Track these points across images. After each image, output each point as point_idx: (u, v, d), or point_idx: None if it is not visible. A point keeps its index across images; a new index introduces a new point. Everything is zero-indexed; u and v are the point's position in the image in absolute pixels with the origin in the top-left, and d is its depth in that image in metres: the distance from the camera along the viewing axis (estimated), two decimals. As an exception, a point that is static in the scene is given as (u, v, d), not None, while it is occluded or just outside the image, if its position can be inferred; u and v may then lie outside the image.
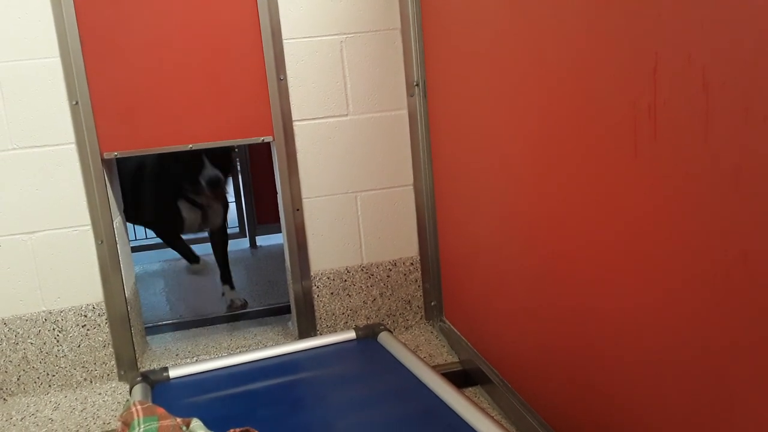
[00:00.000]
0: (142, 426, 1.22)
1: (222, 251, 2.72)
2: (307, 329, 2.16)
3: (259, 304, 2.55)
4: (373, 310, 2.23)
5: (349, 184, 2.13)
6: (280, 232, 2.17)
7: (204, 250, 3.13)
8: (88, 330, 2.03)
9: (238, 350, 2.10)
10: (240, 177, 3.58)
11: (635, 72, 0.96)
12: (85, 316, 2.02)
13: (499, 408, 1.68)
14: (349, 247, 2.18)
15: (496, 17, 1.45)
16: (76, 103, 1.91)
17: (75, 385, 2.05)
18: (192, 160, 2.46)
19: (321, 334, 2.14)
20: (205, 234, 2.98)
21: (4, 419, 1.88)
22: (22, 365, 2.01)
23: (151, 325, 2.37)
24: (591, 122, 1.10)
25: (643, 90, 0.94)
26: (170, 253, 3.20)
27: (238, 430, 1.30)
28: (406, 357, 1.71)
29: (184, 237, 2.97)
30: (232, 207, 3.23)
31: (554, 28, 1.19)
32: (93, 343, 2.04)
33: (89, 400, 1.96)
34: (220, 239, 2.76)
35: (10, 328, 1.99)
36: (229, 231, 2.85)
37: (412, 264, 2.23)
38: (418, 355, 1.72)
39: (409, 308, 2.26)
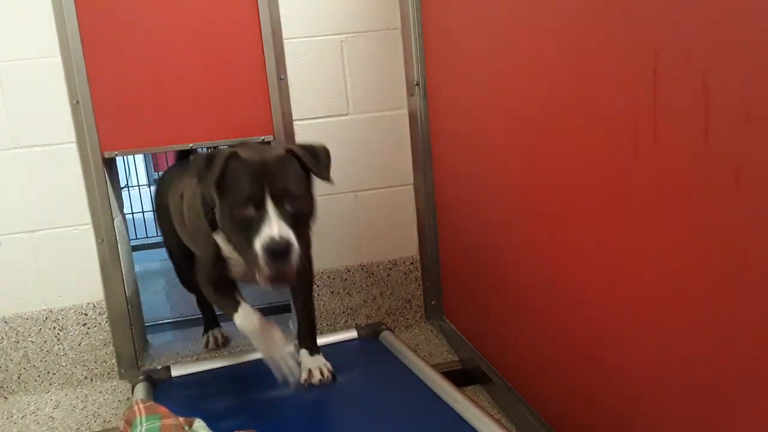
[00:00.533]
0: (144, 425, 1.22)
1: (304, 298, 1.76)
2: (308, 328, 2.16)
3: (259, 303, 2.56)
4: (373, 309, 2.23)
5: (350, 183, 2.13)
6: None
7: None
8: (88, 329, 2.03)
9: (239, 349, 2.11)
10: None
11: (635, 72, 0.96)
12: (86, 314, 2.02)
13: (499, 406, 1.68)
14: (349, 247, 2.18)
15: (496, 17, 1.45)
16: (77, 102, 1.91)
17: (75, 384, 2.05)
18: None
19: (321, 334, 2.14)
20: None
21: (5, 417, 1.89)
22: (23, 363, 2.02)
23: (151, 323, 2.37)
24: (591, 122, 1.11)
25: (643, 90, 0.94)
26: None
27: None
28: (408, 356, 1.72)
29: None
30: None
31: (554, 28, 1.20)
32: (94, 342, 2.04)
33: (90, 398, 1.96)
34: (301, 281, 1.70)
35: (11, 327, 1.99)
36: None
37: (412, 263, 2.23)
38: (420, 355, 1.73)
39: (409, 307, 2.27)
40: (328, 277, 2.17)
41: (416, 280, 2.25)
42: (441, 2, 1.81)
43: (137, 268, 2.29)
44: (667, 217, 0.94)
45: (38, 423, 1.85)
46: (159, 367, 1.83)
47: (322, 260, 2.15)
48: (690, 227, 0.89)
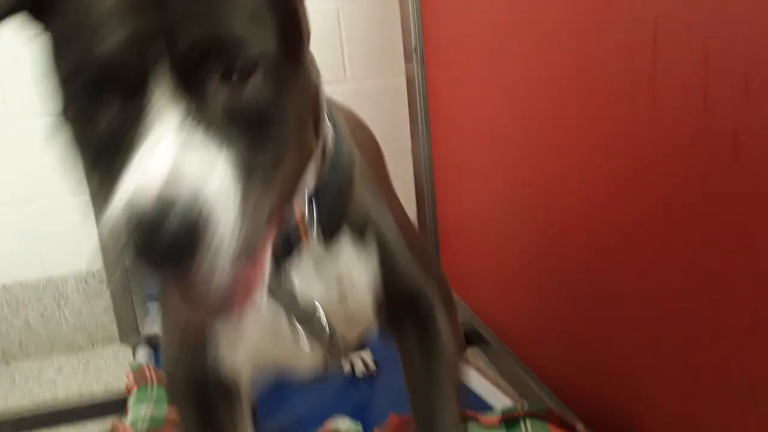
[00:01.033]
0: (155, 392, 1.23)
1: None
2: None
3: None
4: (370, 276, 2.25)
5: (347, 150, 2.13)
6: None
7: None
8: (89, 296, 2.05)
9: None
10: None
11: (635, 39, 0.96)
12: (86, 282, 2.04)
13: (496, 368, 1.71)
14: (347, 214, 2.19)
15: (497, -18, 1.44)
16: (73, 68, 1.89)
17: (77, 349, 2.08)
18: None
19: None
20: None
21: (8, 382, 1.91)
22: (24, 330, 2.03)
23: (153, 291, 2.37)
24: (591, 89, 1.11)
25: (643, 58, 0.95)
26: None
27: None
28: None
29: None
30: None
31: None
32: (94, 309, 2.06)
33: (92, 362, 1.99)
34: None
35: (12, 294, 2.00)
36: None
37: (409, 230, 2.24)
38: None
39: (406, 274, 2.28)
40: (326, 244, 2.18)
41: (413, 246, 2.26)
42: (439, -33, 1.80)
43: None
44: (666, 184, 0.95)
45: (41, 387, 1.87)
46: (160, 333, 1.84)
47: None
48: (688, 195, 0.91)
